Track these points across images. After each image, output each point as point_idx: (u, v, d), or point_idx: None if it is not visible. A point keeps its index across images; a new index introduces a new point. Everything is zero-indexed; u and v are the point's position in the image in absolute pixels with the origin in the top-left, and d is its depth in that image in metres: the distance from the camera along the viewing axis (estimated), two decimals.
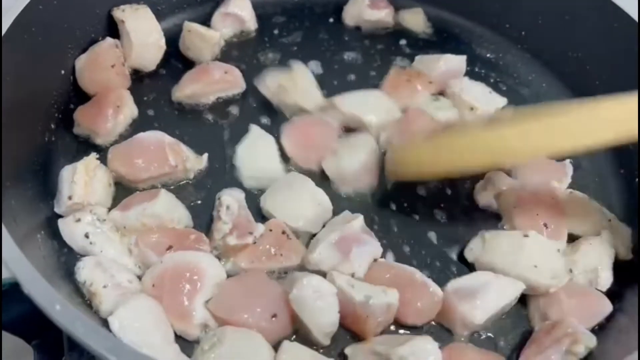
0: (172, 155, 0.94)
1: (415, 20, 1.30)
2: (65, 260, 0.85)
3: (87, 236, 0.84)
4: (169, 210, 0.89)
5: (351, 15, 1.28)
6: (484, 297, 0.82)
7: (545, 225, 0.93)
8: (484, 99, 1.12)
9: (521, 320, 0.88)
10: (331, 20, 1.30)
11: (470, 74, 1.20)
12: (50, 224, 0.87)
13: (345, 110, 1.04)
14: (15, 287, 0.68)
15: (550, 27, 1.21)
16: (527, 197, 0.95)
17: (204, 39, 1.13)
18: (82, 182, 0.88)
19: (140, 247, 0.84)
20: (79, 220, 0.85)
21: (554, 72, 1.22)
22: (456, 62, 1.18)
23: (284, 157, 1.00)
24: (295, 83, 1.07)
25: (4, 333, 0.89)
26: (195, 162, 0.98)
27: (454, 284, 0.85)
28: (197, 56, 1.14)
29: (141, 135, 0.96)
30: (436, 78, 1.14)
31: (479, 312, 0.82)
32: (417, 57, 1.19)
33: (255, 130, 1.02)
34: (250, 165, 0.99)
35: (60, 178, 0.90)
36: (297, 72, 1.09)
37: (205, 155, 0.99)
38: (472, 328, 0.83)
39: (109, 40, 1.07)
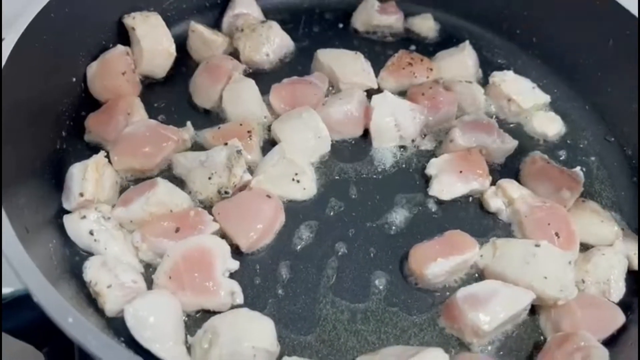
0: (168, 132, 0.98)
1: (425, 25, 1.30)
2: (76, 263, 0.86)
3: (91, 233, 0.86)
4: (170, 194, 0.91)
5: (361, 21, 1.28)
6: (493, 305, 0.82)
7: (556, 234, 0.92)
8: (525, 93, 1.14)
9: (532, 330, 0.87)
10: (341, 25, 1.29)
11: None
12: (63, 231, 0.88)
13: (323, 61, 1.14)
14: (25, 294, 0.69)
15: (562, 33, 1.20)
16: (539, 206, 0.95)
17: (207, 43, 1.15)
18: (93, 179, 0.89)
19: (148, 238, 0.86)
20: (84, 217, 0.87)
21: (565, 78, 1.21)
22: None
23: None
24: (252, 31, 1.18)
25: (14, 340, 0.89)
26: (186, 131, 1.02)
27: (464, 291, 0.84)
28: (200, 58, 1.16)
29: (129, 129, 0.98)
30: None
31: (488, 319, 0.81)
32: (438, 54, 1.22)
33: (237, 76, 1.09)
34: (236, 108, 1.06)
35: (69, 175, 0.91)
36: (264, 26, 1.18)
37: (189, 123, 1.03)
38: (482, 335, 0.82)
39: (120, 47, 1.08)
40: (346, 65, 1.14)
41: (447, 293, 0.89)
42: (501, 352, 0.84)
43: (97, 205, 0.89)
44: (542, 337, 0.86)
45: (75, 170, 0.91)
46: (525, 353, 0.85)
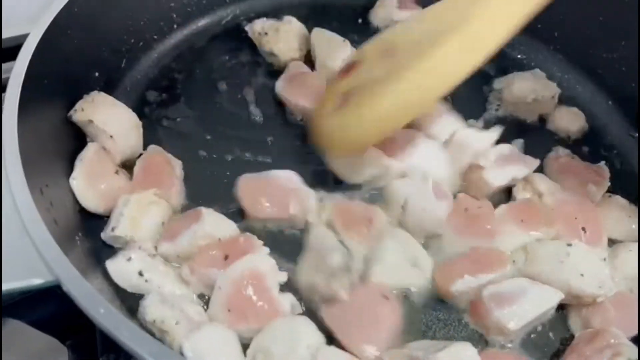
0: (295, 202, 0.91)
1: None
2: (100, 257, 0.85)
3: (141, 274, 0.82)
4: (217, 224, 0.87)
5: (380, 17, 1.27)
6: (520, 304, 0.81)
7: (583, 229, 0.91)
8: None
9: (559, 325, 0.86)
10: (360, 21, 1.29)
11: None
12: (88, 225, 0.88)
13: (312, 39, 1.15)
14: (48, 287, 0.69)
15: (584, 27, 1.19)
16: (566, 200, 0.94)
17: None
18: (130, 217, 0.85)
19: (198, 270, 0.82)
20: (130, 259, 0.82)
21: (587, 73, 1.20)
22: None
23: None
24: (278, 33, 1.14)
25: (38, 332, 0.90)
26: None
27: (491, 289, 0.83)
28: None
29: (275, 172, 0.94)
30: None
31: (514, 318, 0.80)
32: None
33: None
34: None
35: (115, 204, 0.88)
36: (284, 23, 1.15)
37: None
38: (507, 334, 0.81)
39: (91, 146, 0.93)
40: (329, 48, 1.13)
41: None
42: (526, 347, 0.83)
43: (140, 243, 0.85)
44: (569, 333, 0.85)
45: (119, 202, 0.87)
46: (552, 349, 0.84)
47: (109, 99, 0.97)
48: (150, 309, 0.76)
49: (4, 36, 1.09)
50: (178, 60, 1.17)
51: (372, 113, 0.86)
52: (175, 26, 1.20)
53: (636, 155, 1.09)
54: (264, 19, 1.19)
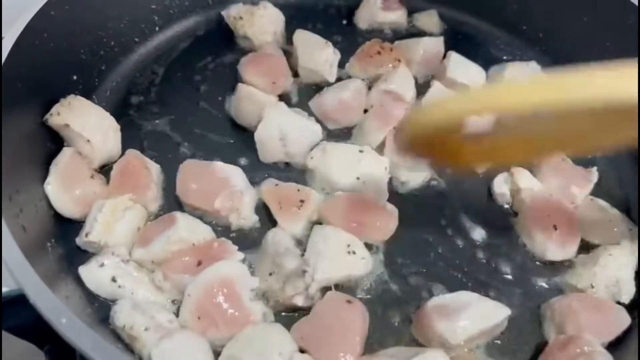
0: (224, 198, 0.90)
1: (430, 22, 1.28)
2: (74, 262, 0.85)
3: (114, 280, 0.81)
4: (191, 229, 0.86)
5: (364, 18, 1.27)
6: (464, 318, 0.79)
7: (554, 227, 0.91)
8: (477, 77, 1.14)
9: (534, 331, 0.86)
10: (344, 22, 1.28)
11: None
12: (61, 230, 0.87)
13: (294, 41, 1.14)
14: (17, 292, 0.69)
15: (569, 28, 1.18)
16: (543, 198, 0.94)
17: (258, 104, 1.02)
18: (104, 222, 0.85)
19: (170, 276, 0.81)
20: (102, 265, 0.81)
21: None
22: (434, 44, 1.18)
23: None
24: (253, 17, 1.15)
25: (15, 338, 0.89)
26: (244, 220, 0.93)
27: (436, 300, 0.82)
28: (250, 122, 1.03)
29: (218, 164, 0.94)
30: (419, 60, 1.16)
31: (457, 331, 0.78)
32: (396, 42, 1.20)
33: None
34: None
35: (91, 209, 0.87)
36: (259, 8, 1.17)
37: (255, 217, 0.94)
38: (449, 347, 0.79)
39: (67, 150, 0.92)
40: (311, 50, 1.13)
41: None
42: (497, 352, 0.83)
43: (113, 249, 0.84)
44: (543, 339, 0.85)
45: (94, 206, 0.86)
46: (526, 355, 0.84)
47: (86, 102, 0.97)
48: (121, 315, 0.76)
49: None
50: (159, 63, 1.17)
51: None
52: (156, 28, 1.19)
53: (621, 159, 1.08)
54: (240, 4, 1.20)
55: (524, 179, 0.98)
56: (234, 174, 0.94)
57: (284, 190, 0.94)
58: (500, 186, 0.99)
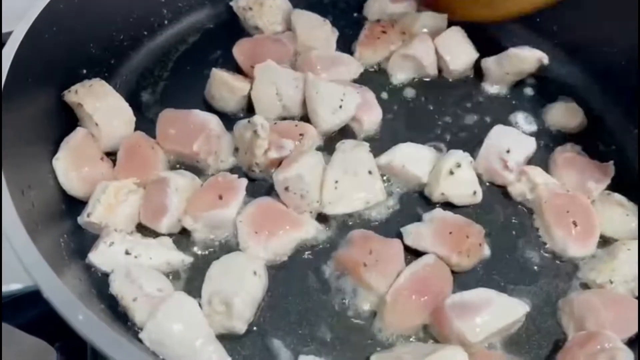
0: (202, 141, 0.94)
1: (441, 15, 1.26)
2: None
3: (128, 252, 0.82)
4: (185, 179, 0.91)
5: (373, 10, 1.25)
6: (483, 316, 0.78)
7: (574, 223, 0.90)
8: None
9: (553, 327, 0.85)
10: (355, 14, 1.26)
11: None
12: (75, 225, 0.87)
13: (293, 21, 1.15)
14: (36, 290, 0.68)
15: (583, 21, 1.16)
16: (560, 194, 0.93)
17: (232, 90, 1.04)
18: (107, 203, 0.85)
19: (201, 216, 0.86)
20: (112, 243, 0.82)
21: (586, 67, 1.17)
22: (437, 18, 1.19)
23: None
24: (262, 7, 1.16)
25: (27, 335, 0.89)
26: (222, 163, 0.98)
27: (454, 298, 0.81)
28: (224, 107, 1.06)
29: (195, 111, 0.98)
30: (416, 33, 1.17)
31: (476, 330, 0.77)
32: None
33: None
34: None
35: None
36: None
37: (233, 159, 0.98)
38: (468, 345, 0.78)
39: (80, 130, 0.94)
40: (310, 28, 1.14)
41: None
42: (515, 348, 0.82)
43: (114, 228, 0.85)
44: (563, 335, 0.84)
45: (98, 187, 0.87)
46: (545, 351, 0.83)
47: (107, 88, 0.98)
48: (115, 284, 0.78)
49: None
50: (169, 56, 1.16)
51: None
52: (165, 22, 1.18)
53: (635, 151, 1.07)
54: None
55: (539, 175, 0.97)
56: (211, 120, 0.97)
57: (282, 126, 0.98)
58: (516, 187, 0.97)
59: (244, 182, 0.91)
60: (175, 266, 0.85)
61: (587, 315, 0.81)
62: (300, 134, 0.97)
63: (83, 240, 0.86)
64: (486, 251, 0.91)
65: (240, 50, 1.09)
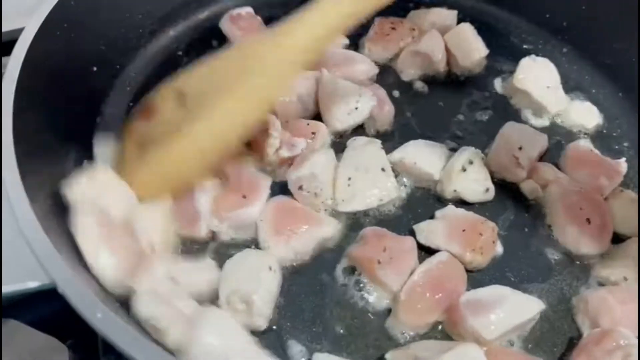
0: None
1: (451, 12, 1.26)
2: None
3: (172, 279, 0.78)
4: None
5: None
6: (498, 313, 0.78)
7: (587, 220, 0.90)
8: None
9: (568, 325, 0.85)
10: None
11: None
12: None
13: None
14: (47, 287, 0.67)
15: (592, 17, 1.16)
16: (573, 191, 0.93)
17: None
18: (161, 225, 0.84)
19: (225, 216, 0.86)
20: (155, 273, 0.78)
21: (597, 64, 1.17)
22: (446, 15, 1.19)
23: None
24: None
25: (38, 332, 0.89)
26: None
27: (468, 295, 0.81)
28: None
29: None
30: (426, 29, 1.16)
31: (491, 327, 0.77)
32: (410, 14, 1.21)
33: None
34: None
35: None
36: None
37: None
38: (483, 343, 0.77)
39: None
40: None
41: None
42: (530, 346, 0.82)
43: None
44: (577, 333, 0.83)
45: (147, 214, 0.84)
46: (560, 348, 0.82)
47: (111, 175, 0.87)
48: (142, 307, 0.74)
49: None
50: (181, 53, 1.15)
51: (170, 160, 0.86)
52: (177, 19, 1.17)
53: None
54: None
55: (551, 172, 0.97)
56: None
57: (294, 125, 0.98)
58: (528, 184, 0.97)
59: (269, 181, 0.91)
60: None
61: (601, 312, 0.80)
62: (313, 133, 0.97)
63: None
64: (499, 249, 0.91)
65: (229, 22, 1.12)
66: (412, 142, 1.00)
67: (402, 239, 0.87)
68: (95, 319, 0.60)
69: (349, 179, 0.91)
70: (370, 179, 0.92)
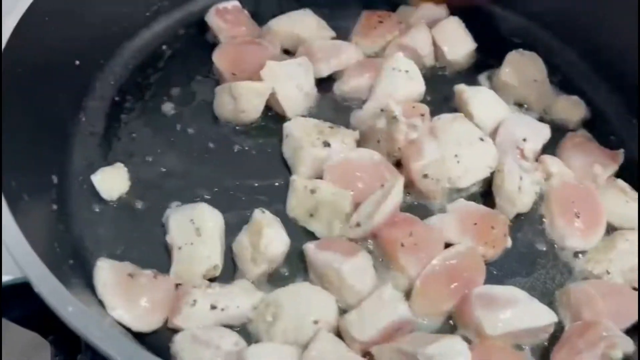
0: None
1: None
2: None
3: (214, 306, 0.77)
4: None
5: None
6: (506, 313, 0.78)
7: (577, 214, 0.90)
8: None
9: None
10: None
11: None
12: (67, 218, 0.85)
13: (281, 30, 1.11)
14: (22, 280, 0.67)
15: (582, 10, 1.14)
16: (571, 185, 0.93)
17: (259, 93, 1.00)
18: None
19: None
20: (195, 302, 0.76)
21: (585, 59, 1.16)
22: (435, 10, 1.19)
23: None
24: None
25: (20, 328, 0.88)
26: None
27: (482, 289, 0.81)
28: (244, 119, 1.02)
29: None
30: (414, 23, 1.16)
31: (498, 325, 0.77)
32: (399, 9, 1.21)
33: None
34: None
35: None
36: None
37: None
38: (484, 337, 0.77)
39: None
40: (303, 24, 1.13)
41: None
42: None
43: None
44: (560, 326, 0.82)
45: (244, 239, 0.83)
46: (542, 342, 0.82)
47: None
48: (184, 353, 0.72)
49: None
50: (166, 46, 1.14)
51: None
52: (162, 13, 1.16)
53: (636, 142, 1.06)
54: None
55: (555, 165, 0.96)
56: None
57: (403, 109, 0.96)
58: (533, 172, 0.96)
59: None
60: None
61: (583, 305, 0.80)
62: (422, 114, 0.96)
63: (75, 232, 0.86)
64: (509, 242, 0.90)
65: (220, 57, 1.06)
66: None
67: (431, 228, 0.87)
68: (66, 312, 0.59)
69: (456, 155, 0.93)
70: (476, 151, 0.94)
